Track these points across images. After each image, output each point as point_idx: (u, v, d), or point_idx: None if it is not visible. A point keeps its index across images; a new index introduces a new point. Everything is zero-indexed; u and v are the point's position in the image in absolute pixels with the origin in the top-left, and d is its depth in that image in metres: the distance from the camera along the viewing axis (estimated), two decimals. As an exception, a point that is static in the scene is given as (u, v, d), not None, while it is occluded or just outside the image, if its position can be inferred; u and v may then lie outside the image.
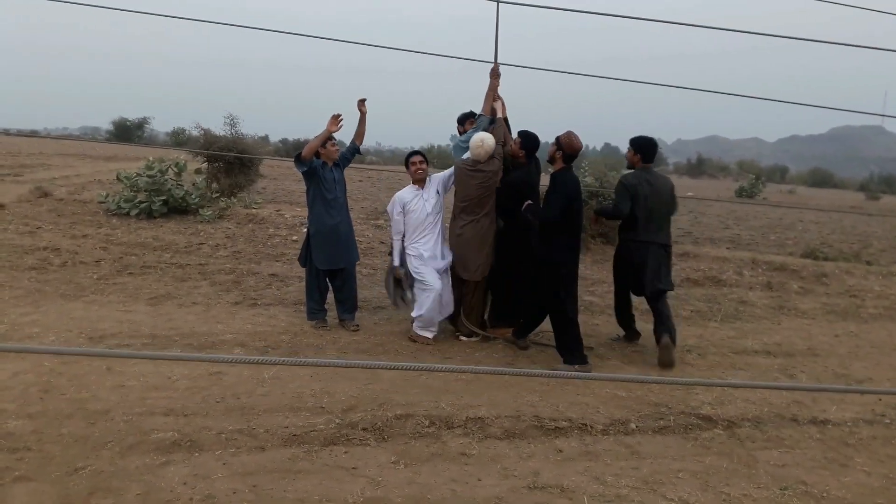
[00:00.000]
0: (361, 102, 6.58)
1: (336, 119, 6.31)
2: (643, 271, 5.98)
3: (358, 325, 6.56)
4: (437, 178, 6.55)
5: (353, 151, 6.76)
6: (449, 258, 6.35)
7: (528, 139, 6.20)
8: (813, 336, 7.34)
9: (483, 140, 6.09)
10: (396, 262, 6.38)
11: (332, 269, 6.48)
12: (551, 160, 5.76)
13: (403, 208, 6.35)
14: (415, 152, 6.59)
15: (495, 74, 6.43)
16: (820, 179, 55.91)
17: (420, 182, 6.43)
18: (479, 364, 5.74)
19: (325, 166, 6.44)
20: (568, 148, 5.64)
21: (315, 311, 6.56)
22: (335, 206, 6.44)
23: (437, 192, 6.45)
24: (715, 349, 6.55)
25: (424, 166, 6.48)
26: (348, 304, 6.64)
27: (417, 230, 6.32)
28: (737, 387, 5.42)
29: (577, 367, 5.59)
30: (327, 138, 6.33)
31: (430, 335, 6.29)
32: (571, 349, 5.66)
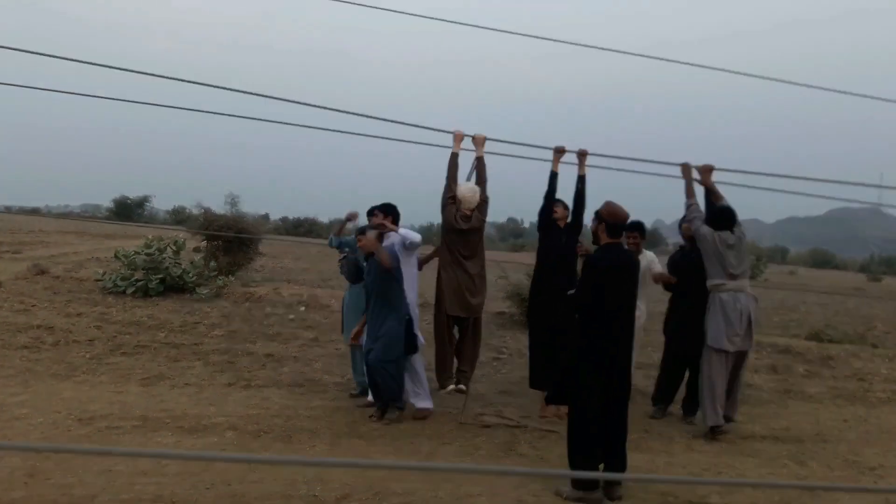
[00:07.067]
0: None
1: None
2: None
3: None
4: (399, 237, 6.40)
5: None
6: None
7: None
8: (821, 421, 7.15)
9: (474, 190, 6.36)
10: None
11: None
12: (595, 238, 5.11)
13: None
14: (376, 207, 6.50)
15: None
16: (821, 260, 55.75)
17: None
18: (478, 450, 5.54)
19: None
20: (610, 217, 4.85)
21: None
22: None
23: (393, 244, 6.34)
24: (722, 434, 6.35)
25: (378, 220, 6.33)
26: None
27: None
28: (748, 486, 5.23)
29: (580, 492, 4.62)
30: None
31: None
32: (573, 462, 4.75)
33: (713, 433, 6.18)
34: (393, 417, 6.04)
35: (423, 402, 6.30)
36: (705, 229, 6.30)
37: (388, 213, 6.45)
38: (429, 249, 7.41)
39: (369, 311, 6.14)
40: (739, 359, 6.29)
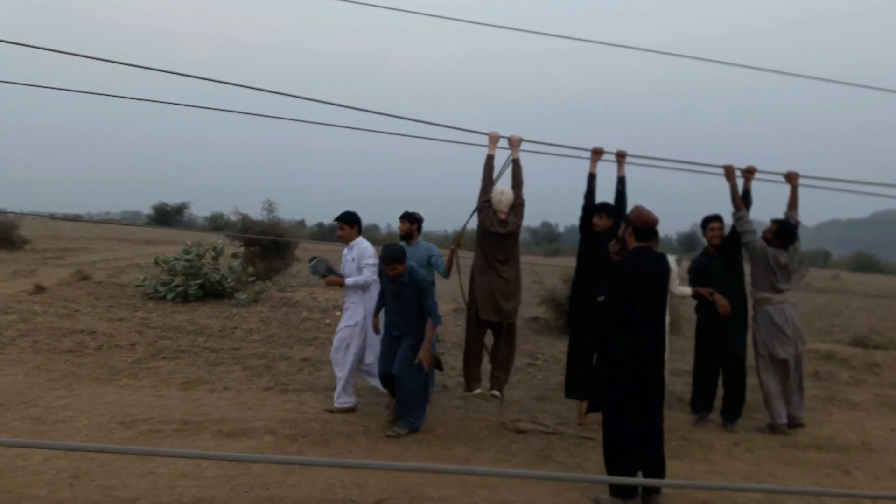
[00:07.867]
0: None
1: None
2: None
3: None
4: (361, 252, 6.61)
5: None
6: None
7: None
8: (867, 429, 6.96)
9: (503, 192, 6.22)
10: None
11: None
12: (623, 243, 5.01)
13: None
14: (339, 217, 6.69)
15: None
16: (865, 264, 53.73)
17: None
18: (515, 456, 5.52)
19: None
20: (638, 222, 4.75)
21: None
22: None
23: (353, 260, 6.60)
24: (763, 443, 6.23)
25: (343, 232, 6.65)
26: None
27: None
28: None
29: (618, 500, 4.59)
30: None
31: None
32: (610, 469, 4.66)
33: (773, 430, 6.46)
34: (396, 433, 5.86)
35: (340, 398, 6.48)
36: (759, 244, 6.34)
37: (350, 223, 6.64)
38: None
39: (386, 324, 6.25)
40: (796, 361, 6.48)
